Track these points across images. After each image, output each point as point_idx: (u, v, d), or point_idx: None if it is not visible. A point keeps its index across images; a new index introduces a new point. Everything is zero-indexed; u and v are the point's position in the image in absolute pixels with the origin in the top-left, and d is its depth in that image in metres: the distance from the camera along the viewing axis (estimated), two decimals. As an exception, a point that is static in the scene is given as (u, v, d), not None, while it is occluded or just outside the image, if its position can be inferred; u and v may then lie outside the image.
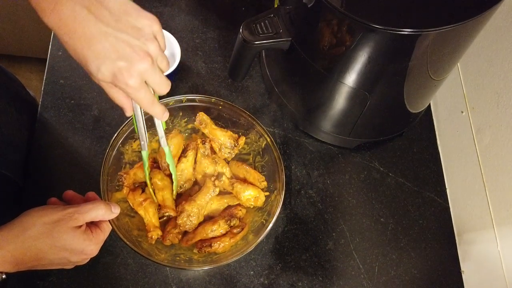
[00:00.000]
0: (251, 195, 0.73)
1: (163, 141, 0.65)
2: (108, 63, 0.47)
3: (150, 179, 0.72)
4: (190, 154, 0.75)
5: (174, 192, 0.73)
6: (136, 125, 0.61)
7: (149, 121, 0.63)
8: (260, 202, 0.74)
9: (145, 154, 0.65)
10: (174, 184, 0.73)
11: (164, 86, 0.52)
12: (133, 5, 0.48)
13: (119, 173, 0.72)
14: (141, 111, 0.60)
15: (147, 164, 0.67)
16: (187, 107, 0.77)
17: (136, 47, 0.47)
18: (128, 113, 0.56)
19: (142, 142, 0.63)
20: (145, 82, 0.50)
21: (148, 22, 0.49)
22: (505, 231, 0.73)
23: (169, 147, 0.68)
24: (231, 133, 0.77)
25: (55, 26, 0.46)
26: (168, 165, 0.71)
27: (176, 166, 0.74)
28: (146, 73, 0.49)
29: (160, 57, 0.51)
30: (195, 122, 0.77)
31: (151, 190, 0.71)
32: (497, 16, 0.74)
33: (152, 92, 0.53)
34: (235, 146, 0.76)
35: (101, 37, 0.46)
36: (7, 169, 0.74)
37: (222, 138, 0.76)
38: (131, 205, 0.72)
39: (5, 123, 0.75)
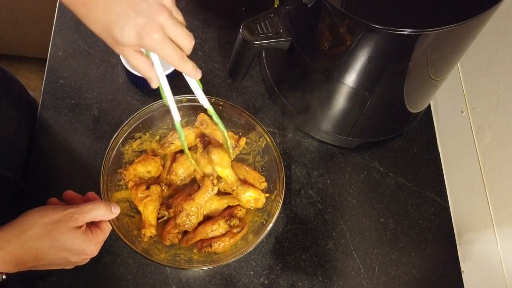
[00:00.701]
0: (251, 197, 0.73)
1: (203, 100, 0.63)
2: (131, 22, 0.48)
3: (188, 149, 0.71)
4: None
5: (230, 149, 0.73)
6: (165, 95, 0.61)
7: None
8: (260, 204, 0.74)
9: (178, 124, 0.63)
10: (228, 142, 0.72)
11: (188, 38, 0.53)
12: None
13: (118, 171, 0.72)
14: (166, 80, 0.59)
15: (183, 134, 0.66)
16: (187, 107, 0.77)
17: (151, 1, 0.49)
18: (155, 83, 0.56)
19: (174, 112, 0.62)
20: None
21: None
22: (505, 231, 0.73)
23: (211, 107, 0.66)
24: (232, 133, 0.77)
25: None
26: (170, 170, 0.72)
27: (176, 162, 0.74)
28: (166, 24, 0.50)
29: (175, 10, 0.52)
30: (196, 123, 0.77)
31: (189, 155, 0.70)
32: (497, 16, 0.74)
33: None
34: (236, 146, 0.76)
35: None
36: (7, 170, 0.74)
37: (223, 138, 0.76)
38: (133, 199, 0.72)
39: (5, 124, 0.75)
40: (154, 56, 0.56)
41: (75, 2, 0.48)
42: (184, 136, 0.70)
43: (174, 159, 0.76)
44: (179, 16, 0.54)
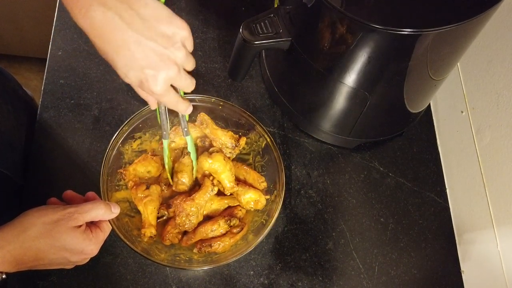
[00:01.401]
0: (252, 198, 0.73)
1: (186, 131, 0.69)
2: (136, 69, 0.49)
3: (172, 168, 0.76)
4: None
5: (193, 176, 0.75)
6: (159, 117, 0.66)
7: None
8: (260, 206, 0.74)
9: (166, 143, 0.70)
10: (194, 170, 0.75)
11: (189, 86, 0.54)
12: (165, 11, 0.49)
13: (118, 171, 0.72)
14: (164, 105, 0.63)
15: (167, 152, 0.71)
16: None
17: (164, 55, 0.49)
18: (153, 107, 0.60)
19: (164, 132, 0.68)
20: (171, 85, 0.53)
21: (178, 29, 0.49)
22: (505, 231, 0.73)
23: (190, 136, 0.70)
24: (232, 133, 0.77)
25: (86, 29, 0.48)
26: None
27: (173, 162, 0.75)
28: (171, 80, 0.51)
29: (187, 60, 0.52)
30: (195, 122, 0.77)
31: (169, 175, 0.74)
32: (497, 16, 0.74)
33: (177, 92, 0.55)
34: (236, 146, 0.76)
35: (131, 45, 0.47)
36: (6, 168, 0.74)
37: (223, 138, 0.76)
38: (132, 198, 0.72)
39: (2, 122, 0.75)
40: None
41: (89, 32, 0.48)
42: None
43: (176, 160, 0.76)
44: (189, 63, 0.53)
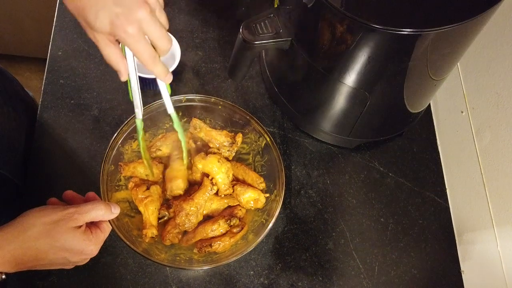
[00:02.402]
0: (251, 197, 0.73)
1: (169, 106, 0.63)
2: (106, 9, 0.47)
3: (149, 153, 0.72)
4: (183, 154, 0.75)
5: (185, 161, 0.73)
6: (131, 90, 0.59)
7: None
8: (260, 204, 0.74)
9: (139, 122, 0.63)
10: (184, 153, 0.71)
11: (165, 40, 0.51)
12: None
13: (119, 163, 0.72)
14: (136, 76, 0.58)
15: (141, 133, 0.65)
16: (187, 107, 0.77)
17: None
18: (123, 76, 0.55)
19: (137, 110, 0.61)
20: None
21: None
22: (505, 231, 0.73)
23: (175, 113, 0.65)
24: (227, 132, 0.77)
25: None
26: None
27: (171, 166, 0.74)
28: (144, 21, 0.49)
29: (159, 10, 0.51)
30: (189, 129, 0.77)
31: (145, 162, 0.69)
32: (497, 16, 0.74)
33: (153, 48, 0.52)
34: (233, 143, 0.76)
35: None
36: (6, 170, 0.74)
37: (219, 138, 0.76)
38: (133, 199, 0.72)
39: (3, 123, 0.75)
40: (127, 49, 0.55)
41: None
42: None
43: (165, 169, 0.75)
44: (162, 16, 0.52)
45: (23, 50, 1.67)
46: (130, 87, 0.59)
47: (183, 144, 0.70)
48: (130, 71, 0.56)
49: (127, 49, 0.54)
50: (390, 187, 0.86)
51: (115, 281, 0.73)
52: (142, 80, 0.84)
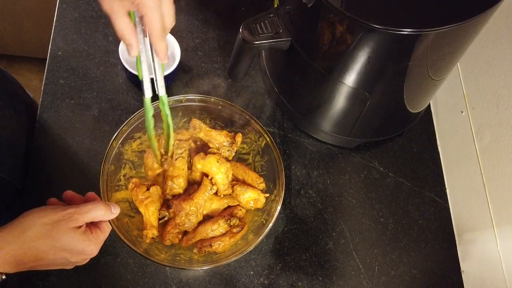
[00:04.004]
0: (251, 197, 0.73)
1: (161, 86, 0.62)
2: None
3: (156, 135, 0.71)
4: (185, 153, 0.75)
5: (170, 148, 0.72)
6: (141, 67, 0.59)
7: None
8: (260, 204, 0.74)
9: (148, 100, 0.62)
10: (171, 139, 0.70)
11: (173, 18, 0.54)
12: None
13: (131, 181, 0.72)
14: (147, 53, 0.58)
15: (151, 112, 0.64)
16: (186, 107, 0.77)
17: None
18: (134, 51, 0.55)
19: (146, 87, 0.60)
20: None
21: None
22: (505, 231, 0.73)
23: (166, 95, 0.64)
24: (227, 132, 0.77)
25: None
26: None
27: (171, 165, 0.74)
28: None
29: None
30: (189, 129, 0.77)
31: (153, 142, 0.69)
32: (497, 16, 0.74)
33: None
34: (233, 143, 0.76)
35: None
36: (6, 173, 0.74)
37: (219, 138, 0.76)
38: (133, 200, 0.72)
39: (4, 125, 0.75)
40: (139, 29, 0.56)
41: None
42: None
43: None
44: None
45: (23, 50, 1.67)
46: (139, 63, 0.58)
47: (170, 129, 0.68)
48: (141, 47, 0.56)
49: (138, 25, 0.55)
50: (390, 187, 0.86)
51: (115, 281, 0.73)
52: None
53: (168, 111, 0.66)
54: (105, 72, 0.87)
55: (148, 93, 0.61)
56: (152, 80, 0.61)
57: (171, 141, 0.71)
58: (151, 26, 0.52)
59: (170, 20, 0.55)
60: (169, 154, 0.73)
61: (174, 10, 0.55)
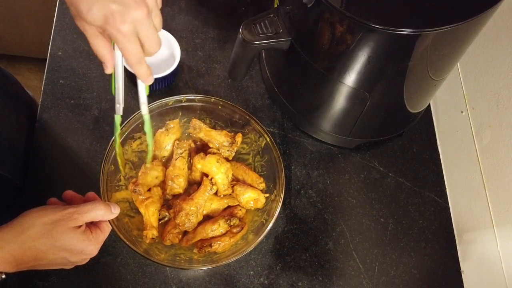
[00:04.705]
0: (251, 197, 0.73)
1: (144, 107, 0.60)
2: (102, 3, 0.45)
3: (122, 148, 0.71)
4: (185, 153, 0.75)
5: (148, 160, 0.70)
6: (114, 85, 0.57)
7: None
8: (260, 204, 0.74)
9: (118, 118, 0.61)
10: (149, 154, 0.68)
11: (155, 43, 0.50)
12: None
13: (131, 189, 0.72)
14: (122, 69, 0.56)
15: (118, 130, 0.63)
16: (186, 107, 0.77)
17: None
18: (109, 69, 0.53)
19: (118, 105, 0.59)
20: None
21: None
22: (505, 231, 0.73)
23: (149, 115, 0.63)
24: (227, 132, 0.77)
25: None
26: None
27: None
28: (140, 23, 0.47)
29: (155, 11, 0.49)
30: (189, 129, 0.77)
31: (118, 158, 0.68)
32: (497, 16, 0.74)
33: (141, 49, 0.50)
34: (233, 143, 0.76)
35: None
36: (6, 171, 0.74)
37: (219, 138, 0.76)
38: (133, 200, 0.72)
39: (3, 124, 0.75)
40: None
41: None
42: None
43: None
44: (157, 18, 0.51)
45: (23, 50, 1.67)
46: (114, 81, 0.57)
47: (149, 147, 0.67)
48: (116, 64, 0.54)
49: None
50: (390, 187, 0.86)
51: (115, 281, 0.73)
52: (135, 80, 0.84)
53: (149, 131, 0.64)
54: (105, 72, 0.87)
55: (119, 111, 0.60)
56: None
57: (149, 157, 0.69)
58: (125, 55, 0.50)
59: (151, 45, 0.50)
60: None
61: (156, 36, 0.50)
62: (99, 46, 0.51)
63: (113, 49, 0.53)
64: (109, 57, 0.53)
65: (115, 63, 0.54)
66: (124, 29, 0.47)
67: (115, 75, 0.56)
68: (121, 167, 0.70)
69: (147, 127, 0.64)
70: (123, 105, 0.59)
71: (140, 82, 0.58)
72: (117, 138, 0.66)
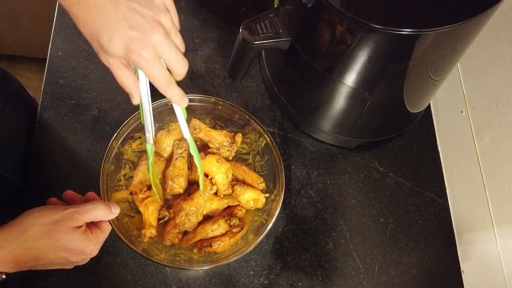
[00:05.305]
0: (251, 197, 0.73)
1: (185, 130, 0.60)
2: (121, 33, 0.45)
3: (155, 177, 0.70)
4: (185, 153, 0.75)
5: (201, 187, 0.69)
6: (143, 115, 0.57)
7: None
8: (260, 204, 0.74)
9: (150, 147, 0.61)
10: (200, 178, 0.68)
11: (181, 64, 0.50)
12: None
13: (130, 192, 0.71)
14: (148, 99, 0.56)
15: (151, 159, 0.63)
16: (187, 107, 0.76)
17: (148, 17, 0.46)
18: (136, 100, 0.53)
19: (148, 134, 0.59)
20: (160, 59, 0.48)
21: None
22: (505, 231, 0.73)
23: (191, 137, 0.63)
24: (226, 132, 0.77)
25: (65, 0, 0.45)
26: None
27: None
28: (160, 45, 0.47)
29: (174, 32, 0.49)
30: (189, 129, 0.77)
31: (154, 189, 0.69)
32: (497, 16, 0.74)
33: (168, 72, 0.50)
34: (233, 143, 0.76)
35: (113, 6, 0.45)
36: (7, 171, 0.74)
37: (219, 138, 0.76)
38: (133, 199, 0.72)
39: (3, 124, 0.75)
40: (141, 72, 0.53)
41: (69, 0, 0.45)
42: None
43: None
44: (177, 39, 0.51)
45: (23, 50, 1.67)
46: (142, 110, 0.57)
47: (199, 169, 0.67)
48: (142, 94, 0.54)
49: (139, 71, 0.53)
50: (390, 187, 0.86)
51: (115, 281, 0.73)
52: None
53: (195, 153, 0.64)
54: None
55: (150, 139, 0.59)
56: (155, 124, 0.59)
57: (201, 179, 0.68)
58: (153, 80, 0.50)
59: (177, 66, 0.50)
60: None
61: (180, 56, 0.50)
62: (125, 77, 0.51)
63: (137, 79, 0.53)
64: (135, 88, 0.52)
65: (141, 93, 0.53)
66: (146, 55, 0.47)
67: (142, 104, 0.56)
68: (158, 197, 0.70)
69: (193, 149, 0.63)
70: (153, 134, 0.59)
71: (176, 106, 0.57)
72: (151, 167, 0.65)
